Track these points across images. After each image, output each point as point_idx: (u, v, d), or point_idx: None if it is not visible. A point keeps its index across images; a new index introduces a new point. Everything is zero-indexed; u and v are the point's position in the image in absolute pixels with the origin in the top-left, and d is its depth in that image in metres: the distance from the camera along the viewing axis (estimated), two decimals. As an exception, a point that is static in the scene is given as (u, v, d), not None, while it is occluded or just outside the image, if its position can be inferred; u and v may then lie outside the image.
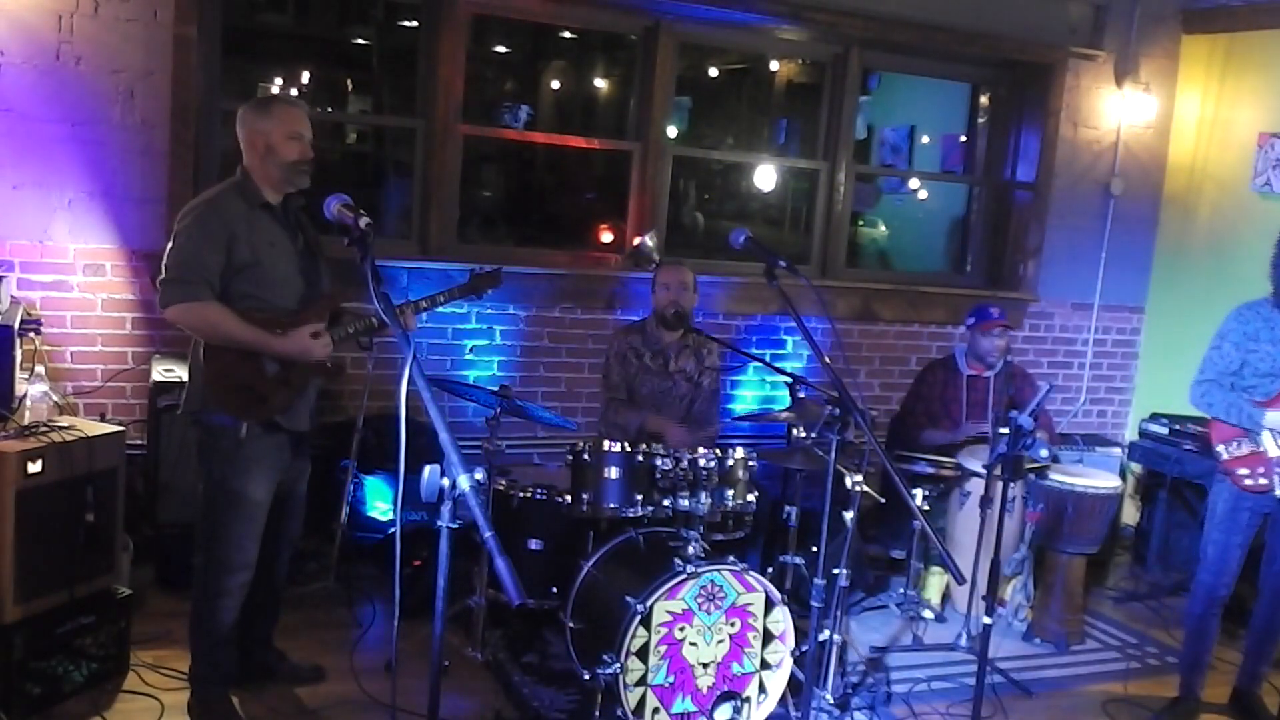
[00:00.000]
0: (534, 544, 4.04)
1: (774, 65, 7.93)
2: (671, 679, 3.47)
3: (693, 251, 6.51)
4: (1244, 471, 3.78)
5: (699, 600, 3.47)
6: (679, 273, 4.57)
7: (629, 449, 3.80)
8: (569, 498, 3.89)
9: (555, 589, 3.97)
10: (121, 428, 3.67)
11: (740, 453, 3.91)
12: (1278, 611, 3.97)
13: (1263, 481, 3.76)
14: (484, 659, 3.98)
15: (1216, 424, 3.87)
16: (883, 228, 8.80)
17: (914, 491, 4.27)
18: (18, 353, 3.85)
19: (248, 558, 3.38)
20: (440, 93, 5.11)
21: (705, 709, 3.52)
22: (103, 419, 4.11)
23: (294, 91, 7.02)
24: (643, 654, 3.40)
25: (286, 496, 3.53)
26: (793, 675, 3.66)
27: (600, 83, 8.26)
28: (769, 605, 3.58)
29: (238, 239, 3.22)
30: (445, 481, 2.02)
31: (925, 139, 8.21)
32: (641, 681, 3.41)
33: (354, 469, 4.58)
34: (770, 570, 4.17)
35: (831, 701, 3.86)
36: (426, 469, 2.03)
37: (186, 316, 3.20)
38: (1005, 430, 3.59)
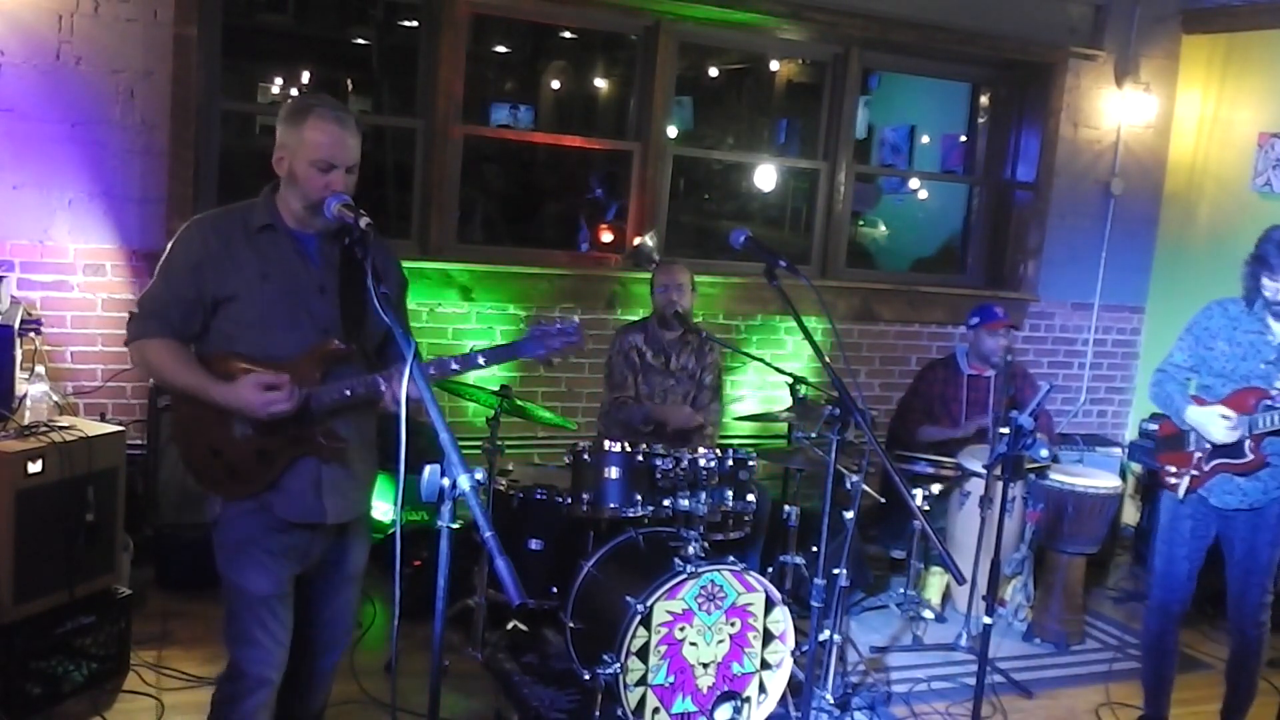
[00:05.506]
0: (534, 544, 4.05)
1: (774, 65, 7.94)
2: (672, 679, 3.47)
3: (692, 251, 6.51)
4: (1171, 469, 3.68)
5: (699, 600, 3.47)
6: (676, 273, 4.58)
7: (629, 449, 3.80)
8: (569, 498, 3.89)
9: (555, 589, 3.98)
10: (121, 428, 3.67)
11: (740, 453, 3.90)
12: (1248, 657, 3.75)
13: (1172, 481, 3.65)
14: (484, 659, 3.98)
15: (1164, 418, 3.78)
16: (883, 228, 8.80)
17: (914, 491, 4.26)
18: (18, 353, 3.84)
19: (259, 666, 2.58)
20: (440, 93, 5.11)
21: (705, 709, 3.52)
22: (103, 419, 4.11)
23: (294, 91, 6.99)
24: (643, 654, 3.40)
25: (323, 588, 2.75)
26: (793, 675, 3.66)
27: (600, 83, 8.27)
28: (769, 605, 3.57)
29: (206, 267, 2.52)
30: (445, 481, 2.02)
31: (925, 139, 8.22)
32: (642, 681, 3.41)
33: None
34: (770, 570, 4.17)
35: (831, 701, 3.86)
36: (426, 469, 2.02)
37: (134, 356, 2.59)
38: (1005, 430, 3.58)
